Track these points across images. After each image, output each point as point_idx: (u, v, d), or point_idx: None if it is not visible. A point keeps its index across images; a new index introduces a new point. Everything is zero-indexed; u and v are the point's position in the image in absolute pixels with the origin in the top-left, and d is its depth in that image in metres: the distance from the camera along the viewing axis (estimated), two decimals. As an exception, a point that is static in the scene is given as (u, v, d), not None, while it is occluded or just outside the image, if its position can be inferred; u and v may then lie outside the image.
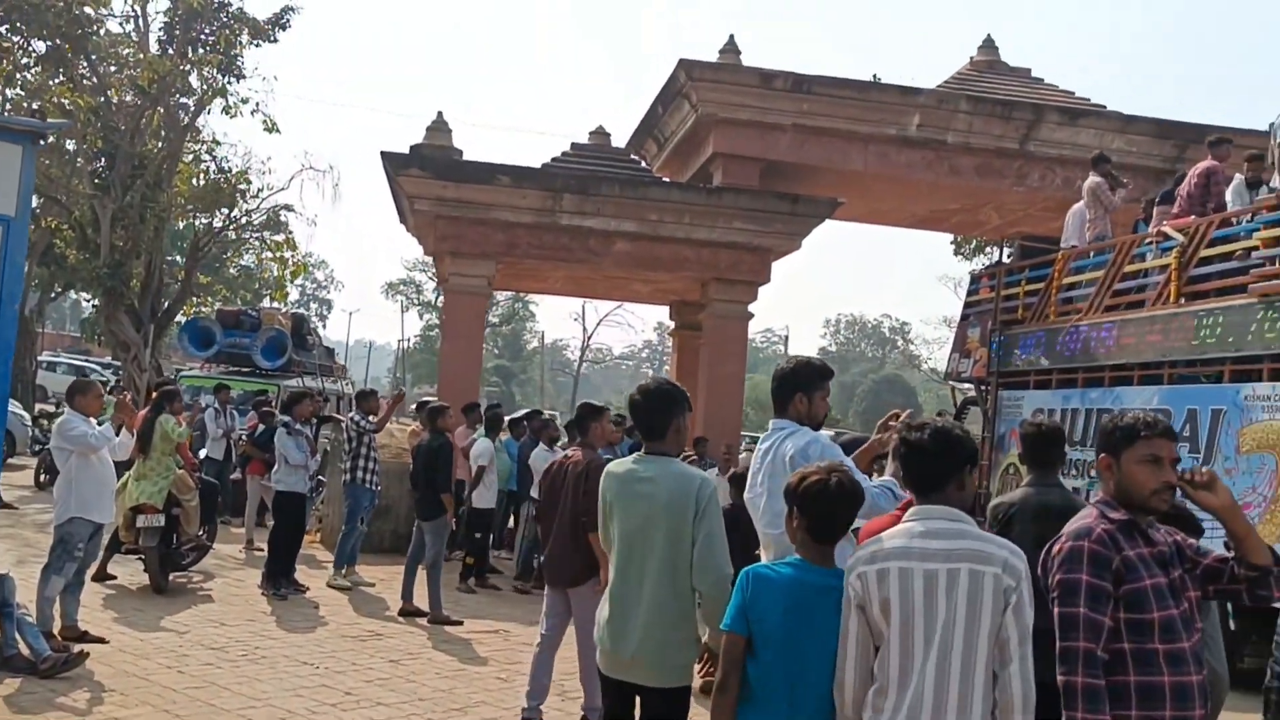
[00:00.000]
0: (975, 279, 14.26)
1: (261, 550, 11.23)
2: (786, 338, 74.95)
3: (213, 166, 23.12)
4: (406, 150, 15.60)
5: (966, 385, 13.93)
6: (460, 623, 9.28)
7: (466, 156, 15.98)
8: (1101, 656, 2.93)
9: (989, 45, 19.21)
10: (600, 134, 17.54)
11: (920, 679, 2.87)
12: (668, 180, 17.80)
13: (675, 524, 4.01)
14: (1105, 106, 17.89)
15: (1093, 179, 12.25)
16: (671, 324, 20.90)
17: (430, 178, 15.16)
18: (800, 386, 4.28)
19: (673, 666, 4.01)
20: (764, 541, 4.18)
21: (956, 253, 30.07)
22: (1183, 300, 9.96)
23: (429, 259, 25.29)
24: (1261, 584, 3.09)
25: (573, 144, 17.23)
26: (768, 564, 3.46)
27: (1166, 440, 3.13)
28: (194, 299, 25.46)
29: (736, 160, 16.81)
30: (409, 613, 9.46)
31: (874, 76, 17.09)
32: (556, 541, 6.27)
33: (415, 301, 72.37)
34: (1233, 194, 10.36)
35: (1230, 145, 11.65)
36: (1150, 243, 10.81)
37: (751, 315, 16.70)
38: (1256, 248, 9.21)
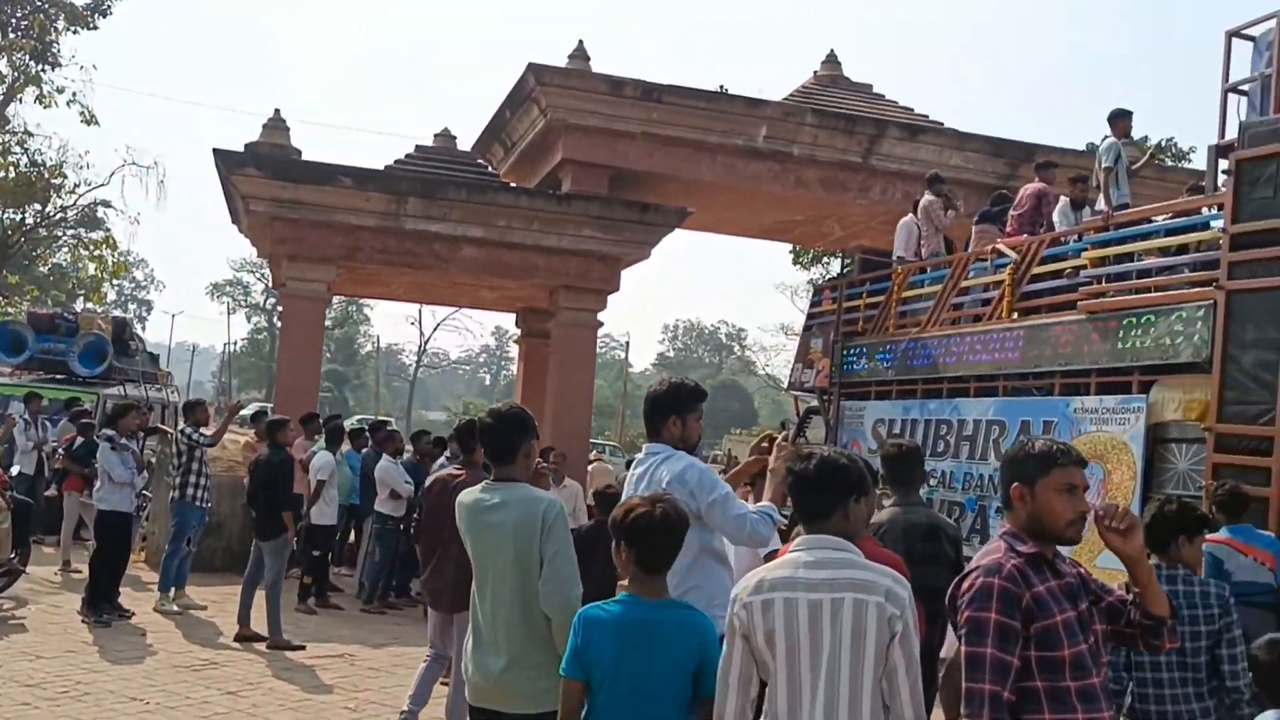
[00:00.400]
0: (818, 291, 14.55)
1: (80, 572, 10.58)
2: (628, 344, 75.39)
3: (24, 159, 21.81)
4: (241, 148, 14.97)
5: (810, 395, 14.17)
6: (302, 647, 8.91)
7: (306, 156, 15.43)
8: (1008, 698, 2.83)
9: (832, 60, 19.58)
10: (446, 136, 17.20)
11: (810, 712, 2.84)
12: (515, 186, 17.59)
13: (523, 549, 3.91)
14: (943, 124, 18.45)
15: (927, 198, 12.71)
16: (518, 331, 20.69)
17: (267, 178, 14.57)
18: (675, 409, 4.23)
19: (537, 692, 3.91)
20: None
21: (795, 262, 30.74)
22: (1015, 315, 10.33)
23: (260, 260, 24.41)
24: (1155, 634, 3.10)
25: (417, 146, 16.84)
26: (599, 604, 3.38)
27: (1080, 468, 3.03)
28: (1, 299, 23.96)
29: (585, 167, 16.71)
30: (246, 638, 9.03)
31: (720, 87, 17.20)
32: (444, 564, 6.00)
33: (242, 304, 69.98)
34: (1059, 215, 10.84)
35: (1056, 168, 12.25)
36: (985, 260, 11.20)
37: (600, 324, 16.65)
38: (1084, 266, 9.62)
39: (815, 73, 19.55)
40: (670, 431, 4.22)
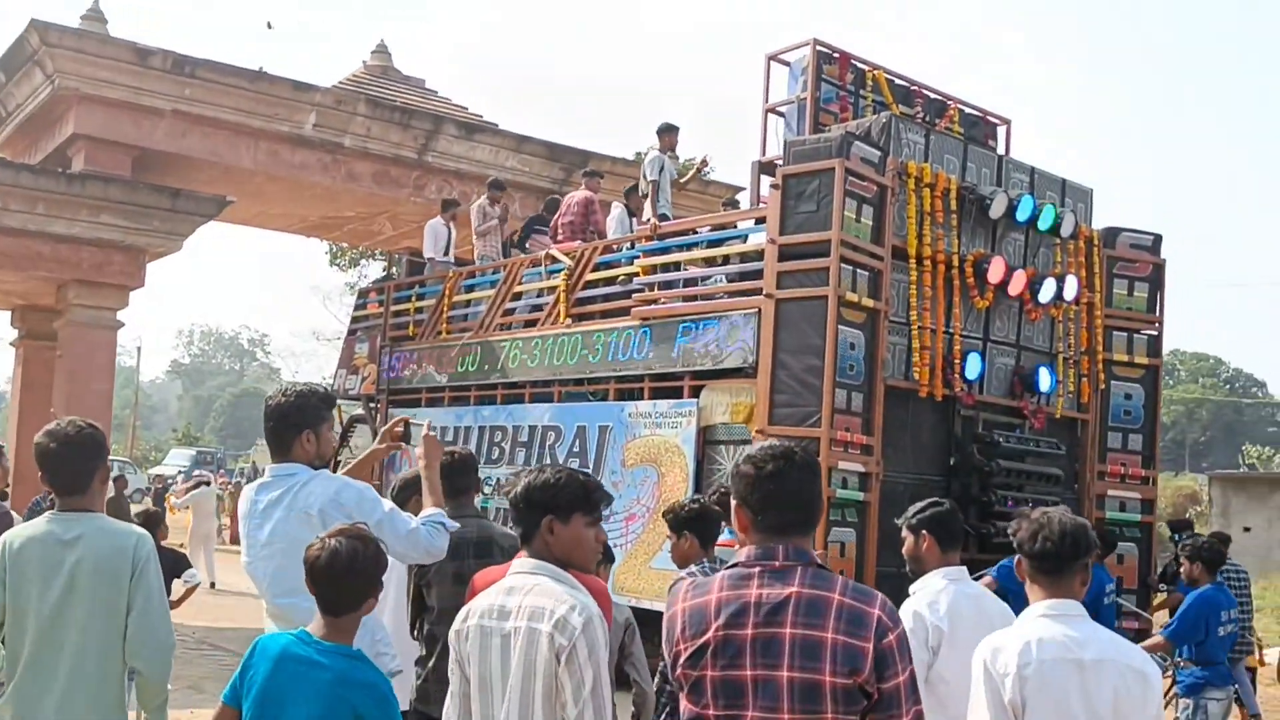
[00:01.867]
0: (363, 294, 13.93)
1: None
2: (140, 349, 69.27)
3: None
4: None
5: (355, 402, 13.49)
6: None
7: None
8: None
9: (382, 50, 18.77)
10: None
11: None
12: (12, 161, 15.21)
13: (106, 593, 3.23)
14: (498, 124, 18.21)
15: (478, 201, 12.58)
16: (15, 333, 17.93)
17: None
18: (307, 423, 3.70)
19: None
20: (272, 613, 3.54)
21: (333, 263, 29.47)
22: (570, 321, 10.37)
23: None
24: None
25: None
26: (281, 633, 3.05)
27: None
28: None
29: (103, 145, 14.69)
30: None
31: (259, 69, 15.72)
32: None
33: None
34: (614, 223, 11.05)
35: (602, 177, 12.53)
36: (539, 265, 11.18)
37: (121, 324, 14.87)
38: (637, 274, 9.83)
39: (365, 62, 18.66)
40: (304, 449, 3.70)
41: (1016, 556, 3.34)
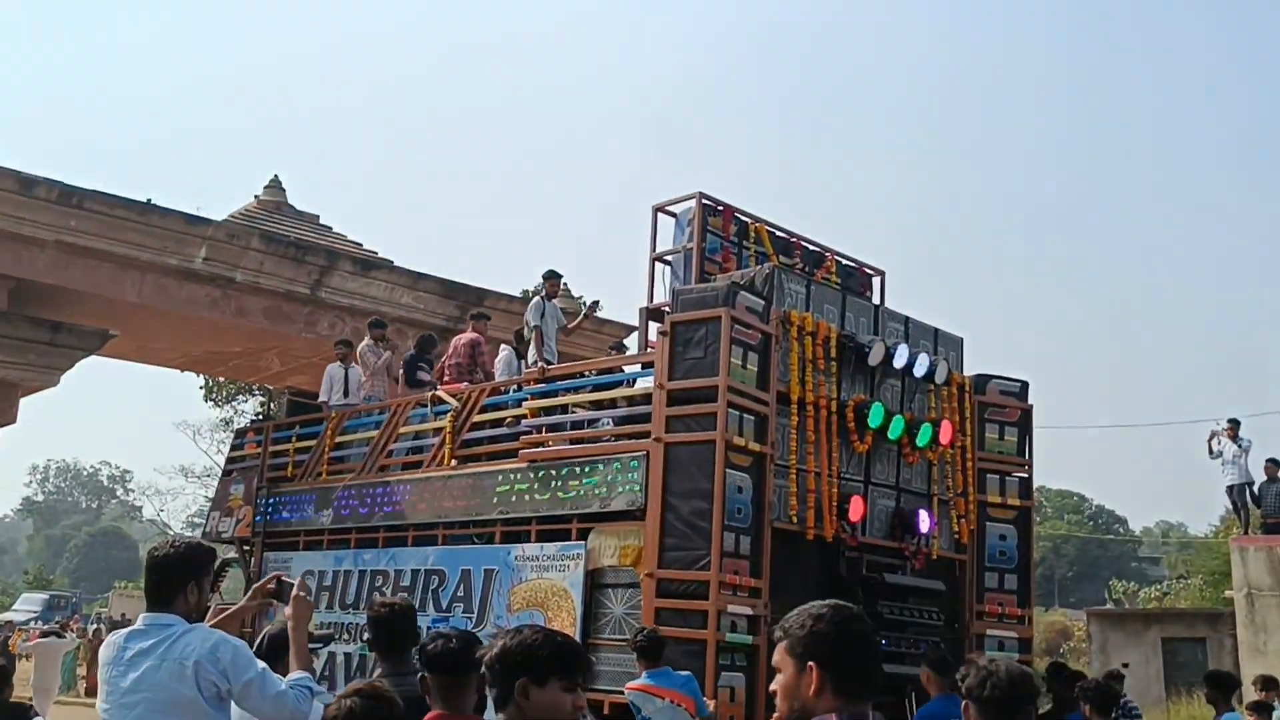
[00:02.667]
0: (241, 434, 13.63)
1: None
2: (-10, 486, 65.93)
3: None
4: None
5: (229, 545, 13.06)
6: None
7: None
8: None
9: (276, 185, 18.67)
10: None
11: None
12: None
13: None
14: (393, 261, 18.09)
15: (366, 341, 12.55)
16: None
17: None
18: (192, 576, 3.76)
19: None
20: None
21: (207, 398, 28.72)
22: (455, 463, 10.30)
23: None
24: None
25: None
26: None
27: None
28: None
29: None
30: None
31: (148, 200, 15.35)
32: None
33: None
34: (502, 365, 11.13)
35: (488, 319, 12.63)
36: (424, 406, 11.13)
37: None
38: (524, 416, 9.87)
39: (257, 197, 18.52)
40: (186, 601, 3.75)
41: (964, 702, 3.45)
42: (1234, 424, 16.63)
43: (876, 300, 10.57)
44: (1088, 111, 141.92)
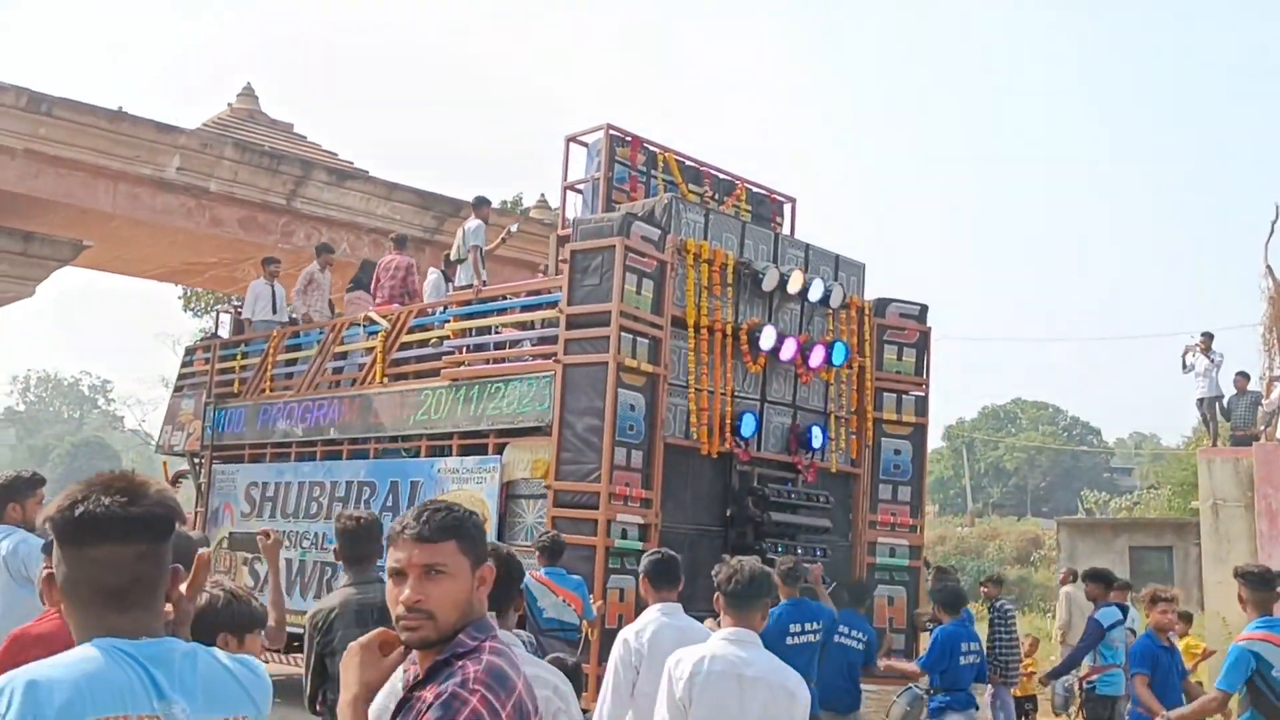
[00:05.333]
0: (190, 351, 14.12)
1: None
2: (-28, 397, 66.42)
3: None
4: None
5: (180, 458, 13.65)
6: None
7: None
8: None
9: (249, 93, 18.69)
10: None
11: None
12: None
13: None
14: (369, 172, 18.03)
15: (311, 266, 12.97)
16: None
17: None
18: (12, 497, 4.79)
19: None
20: None
21: (187, 308, 29.08)
22: (386, 380, 10.85)
23: None
24: None
25: None
26: None
27: (416, 544, 2.27)
28: None
29: None
30: None
31: (119, 108, 15.37)
32: None
33: None
34: (430, 288, 11.61)
35: (408, 240, 12.96)
36: (359, 326, 11.63)
37: None
38: (448, 336, 10.40)
39: (231, 105, 18.48)
40: (11, 516, 4.77)
41: (715, 595, 4.08)
42: (1207, 338, 16.79)
43: (788, 226, 11.05)
44: None
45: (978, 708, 7.91)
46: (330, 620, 4.53)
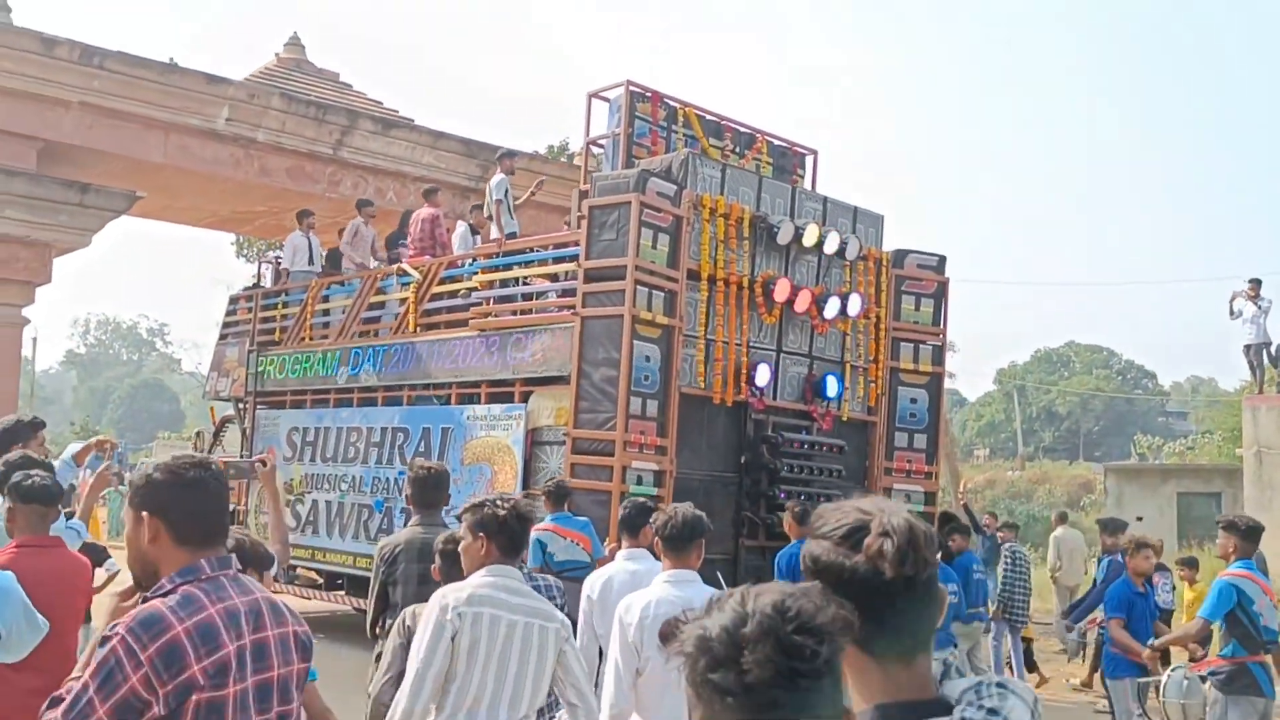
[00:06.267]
0: (234, 301, 14.57)
1: None
2: (35, 339, 68.10)
3: None
4: None
5: (227, 403, 14.19)
6: None
7: None
8: None
9: (295, 43, 18.85)
10: None
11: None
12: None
13: None
14: (414, 120, 18.21)
15: (356, 220, 13.33)
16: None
17: None
18: (16, 439, 5.20)
19: None
20: None
21: (239, 254, 29.67)
22: (419, 330, 11.23)
23: None
24: None
25: None
26: None
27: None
28: None
29: (7, 136, 14.55)
30: None
31: (169, 60, 15.71)
32: None
33: None
34: (458, 240, 11.93)
35: (438, 192, 13.23)
36: (392, 278, 12.00)
37: (27, 321, 14.97)
38: (476, 288, 10.73)
39: (278, 55, 18.63)
40: None
41: (655, 539, 4.39)
42: (1255, 284, 16.53)
43: (810, 179, 11.20)
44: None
45: (956, 645, 8.19)
46: (395, 554, 5.10)
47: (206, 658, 2.31)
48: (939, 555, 5.92)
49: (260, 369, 13.13)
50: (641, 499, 5.49)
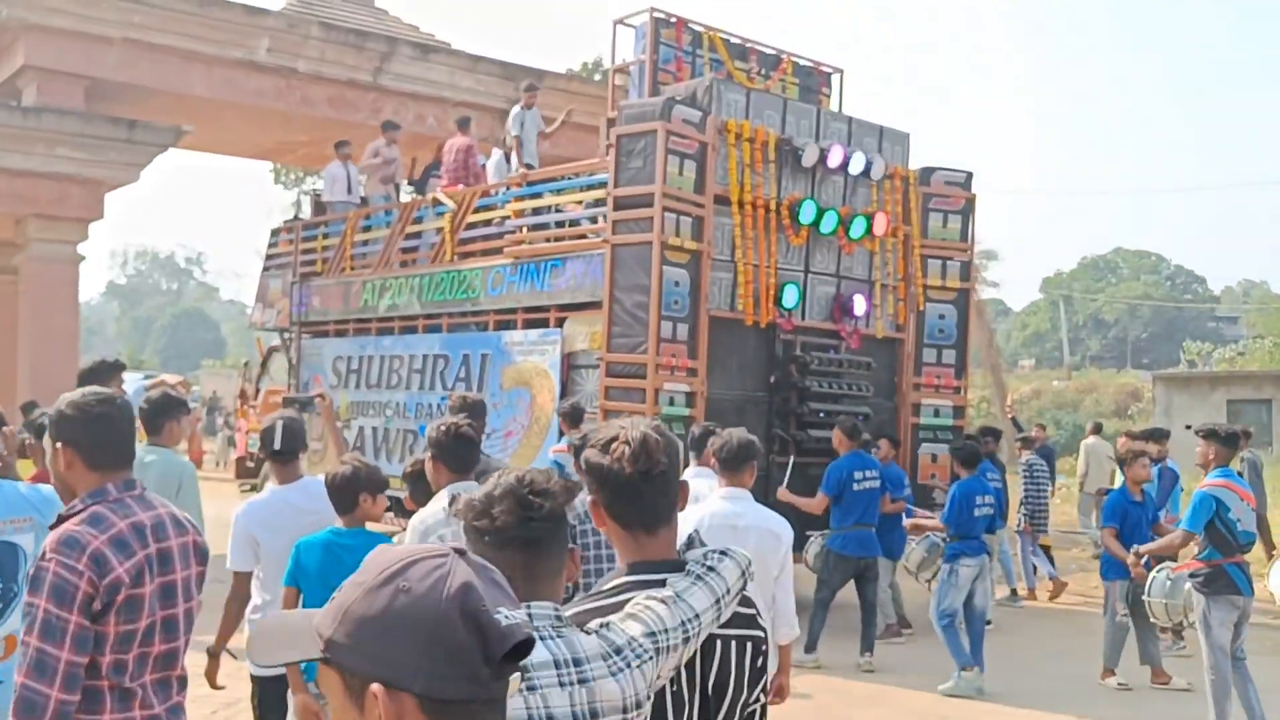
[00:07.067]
0: (275, 233, 14.88)
1: None
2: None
3: None
4: None
5: (272, 333, 14.59)
6: None
7: None
8: None
9: None
10: None
11: None
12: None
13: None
14: (451, 44, 18.18)
15: (378, 140, 13.52)
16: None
17: None
18: (97, 379, 5.23)
19: None
20: None
21: (277, 180, 30.06)
22: (455, 259, 11.49)
23: None
24: None
25: None
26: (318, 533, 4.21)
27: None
28: None
29: (55, 76, 14.71)
30: None
31: None
32: None
33: None
34: (493, 167, 12.12)
35: (471, 121, 13.32)
36: (428, 207, 12.24)
37: (83, 258, 15.19)
38: (509, 216, 10.95)
39: None
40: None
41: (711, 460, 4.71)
42: None
43: (836, 98, 11.24)
44: None
45: (990, 554, 8.46)
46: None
47: (126, 561, 2.68)
48: (955, 469, 6.17)
49: (302, 299, 13.46)
50: (707, 425, 5.86)
